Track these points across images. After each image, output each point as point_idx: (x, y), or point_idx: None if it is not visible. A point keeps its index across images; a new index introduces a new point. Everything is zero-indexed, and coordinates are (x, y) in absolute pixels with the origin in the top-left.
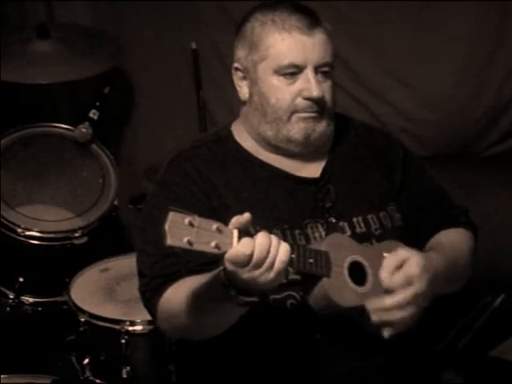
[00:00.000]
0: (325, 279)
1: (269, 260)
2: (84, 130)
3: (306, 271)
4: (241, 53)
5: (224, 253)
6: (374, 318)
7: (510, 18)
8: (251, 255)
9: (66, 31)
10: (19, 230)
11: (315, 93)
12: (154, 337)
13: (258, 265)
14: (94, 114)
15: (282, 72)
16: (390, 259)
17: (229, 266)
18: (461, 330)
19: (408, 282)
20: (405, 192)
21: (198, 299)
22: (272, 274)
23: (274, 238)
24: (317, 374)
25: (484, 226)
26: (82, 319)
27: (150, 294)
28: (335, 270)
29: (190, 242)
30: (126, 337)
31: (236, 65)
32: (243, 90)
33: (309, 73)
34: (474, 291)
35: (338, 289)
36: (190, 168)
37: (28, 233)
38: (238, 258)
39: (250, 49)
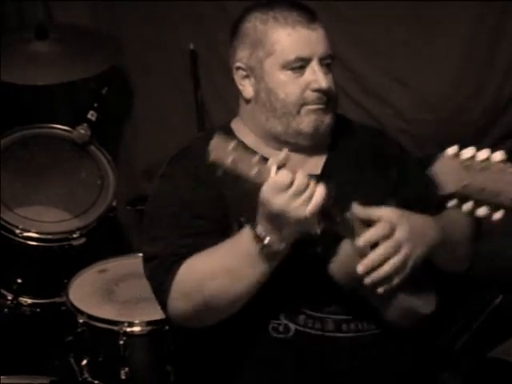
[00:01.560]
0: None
1: (308, 192)
2: (82, 131)
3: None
4: (242, 52)
5: (262, 183)
6: (367, 281)
7: (508, 18)
8: (291, 183)
9: (64, 32)
10: (17, 231)
11: (324, 84)
12: (153, 338)
13: (296, 194)
14: (92, 115)
15: (289, 67)
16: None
17: (266, 193)
18: (459, 330)
19: (388, 232)
20: (402, 188)
21: (221, 261)
22: (308, 209)
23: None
24: (315, 373)
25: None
26: (81, 320)
27: (163, 274)
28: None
29: (234, 162)
30: (124, 338)
31: (238, 64)
32: (246, 88)
33: (315, 65)
34: (472, 292)
35: None
36: (194, 161)
37: (26, 234)
38: (279, 183)
39: (254, 47)
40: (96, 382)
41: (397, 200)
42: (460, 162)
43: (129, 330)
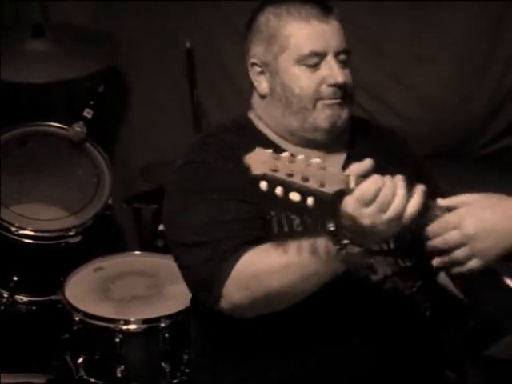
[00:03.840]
0: None
1: (398, 204)
2: (78, 129)
3: None
4: (257, 48)
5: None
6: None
7: (506, 18)
8: (377, 194)
9: (60, 30)
10: (13, 229)
11: (340, 78)
12: (148, 336)
13: (384, 207)
14: (88, 113)
15: (303, 62)
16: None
17: (350, 208)
18: (458, 328)
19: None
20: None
21: (292, 257)
22: (398, 223)
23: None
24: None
25: None
26: (77, 318)
27: (217, 262)
28: None
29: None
30: (120, 336)
31: (252, 60)
32: (262, 84)
33: (330, 59)
34: None
35: None
36: (228, 144)
37: (22, 232)
38: (364, 197)
39: (268, 42)
40: (92, 379)
41: None
42: (270, 154)
43: (125, 327)
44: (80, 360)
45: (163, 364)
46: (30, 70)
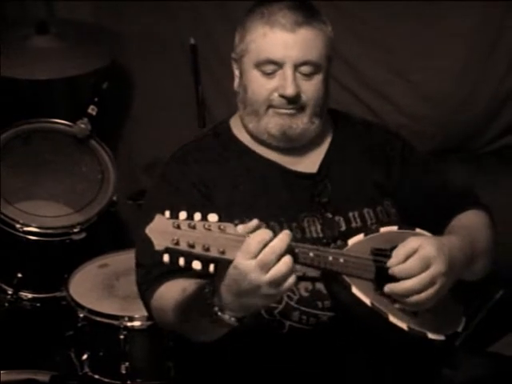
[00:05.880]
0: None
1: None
2: (83, 126)
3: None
4: (236, 42)
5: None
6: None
7: (511, 14)
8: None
9: (64, 27)
10: (18, 226)
11: (289, 91)
12: (153, 332)
13: (266, 265)
14: (92, 109)
15: (260, 68)
16: (400, 249)
17: (242, 266)
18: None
19: (425, 265)
20: (406, 180)
21: (186, 305)
22: (278, 291)
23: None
24: (312, 369)
25: None
26: (81, 315)
27: (146, 287)
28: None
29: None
30: (124, 332)
31: (232, 54)
32: (236, 80)
33: (287, 70)
34: (472, 287)
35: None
36: (190, 164)
37: (27, 228)
38: (251, 246)
39: (240, 40)
40: (96, 376)
41: (395, 199)
42: (170, 222)
43: (129, 324)
44: (84, 357)
45: (167, 361)
46: (34, 66)
